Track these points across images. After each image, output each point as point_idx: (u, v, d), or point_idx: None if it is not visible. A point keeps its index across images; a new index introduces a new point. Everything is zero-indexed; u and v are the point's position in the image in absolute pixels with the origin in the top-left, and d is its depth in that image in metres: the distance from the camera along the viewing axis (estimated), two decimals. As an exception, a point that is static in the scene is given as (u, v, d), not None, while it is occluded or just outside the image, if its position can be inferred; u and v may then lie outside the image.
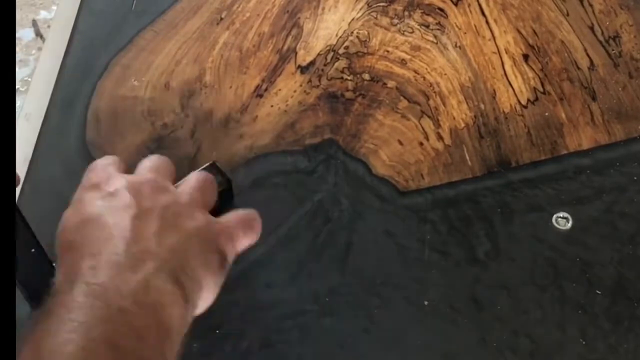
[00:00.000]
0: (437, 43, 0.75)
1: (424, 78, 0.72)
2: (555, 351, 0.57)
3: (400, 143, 0.68)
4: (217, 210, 0.63)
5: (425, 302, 0.60)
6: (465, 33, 0.75)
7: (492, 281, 0.61)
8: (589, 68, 0.72)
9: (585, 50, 0.73)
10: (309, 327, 0.59)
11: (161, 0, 0.77)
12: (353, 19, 0.76)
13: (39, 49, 1.83)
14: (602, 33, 0.75)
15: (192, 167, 0.65)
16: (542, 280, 0.61)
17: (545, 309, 0.59)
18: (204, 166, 0.63)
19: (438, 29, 0.76)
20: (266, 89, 0.71)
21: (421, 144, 0.68)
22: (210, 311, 0.59)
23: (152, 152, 0.67)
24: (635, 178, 0.66)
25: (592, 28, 0.75)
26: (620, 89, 0.71)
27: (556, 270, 0.61)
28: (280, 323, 0.59)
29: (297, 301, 0.60)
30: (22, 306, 0.57)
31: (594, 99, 0.70)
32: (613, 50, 0.73)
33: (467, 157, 0.67)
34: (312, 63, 0.73)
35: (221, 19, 0.76)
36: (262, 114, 0.70)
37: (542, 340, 0.58)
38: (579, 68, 0.72)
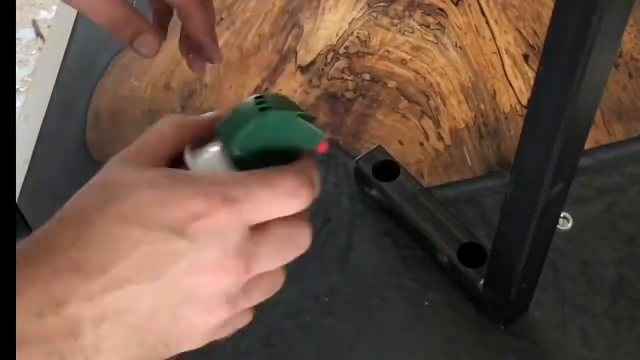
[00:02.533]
0: (437, 43, 0.75)
1: (424, 78, 0.72)
2: (555, 351, 0.57)
3: (401, 143, 0.68)
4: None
5: (426, 303, 0.60)
6: (465, 33, 0.75)
7: (492, 281, 0.61)
8: (589, 68, 0.72)
9: (586, 50, 0.73)
10: (309, 327, 0.59)
11: (161, 0, 0.77)
12: (353, 19, 0.76)
13: (39, 49, 1.83)
14: (603, 33, 0.74)
15: (192, 167, 0.65)
16: (542, 280, 0.60)
17: (545, 309, 0.59)
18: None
19: (438, 29, 0.76)
20: (266, 89, 0.71)
21: (421, 144, 0.68)
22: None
23: (152, 152, 0.67)
24: (635, 178, 0.66)
25: (592, 28, 0.75)
26: (620, 89, 0.71)
27: (556, 270, 0.61)
28: (280, 323, 0.59)
29: (297, 301, 0.60)
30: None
31: (594, 99, 0.70)
32: (613, 50, 0.73)
33: (468, 157, 0.67)
34: (312, 63, 0.73)
35: (221, 19, 0.76)
36: (262, 114, 0.70)
37: (542, 340, 0.58)
38: (579, 68, 0.72)
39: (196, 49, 0.58)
